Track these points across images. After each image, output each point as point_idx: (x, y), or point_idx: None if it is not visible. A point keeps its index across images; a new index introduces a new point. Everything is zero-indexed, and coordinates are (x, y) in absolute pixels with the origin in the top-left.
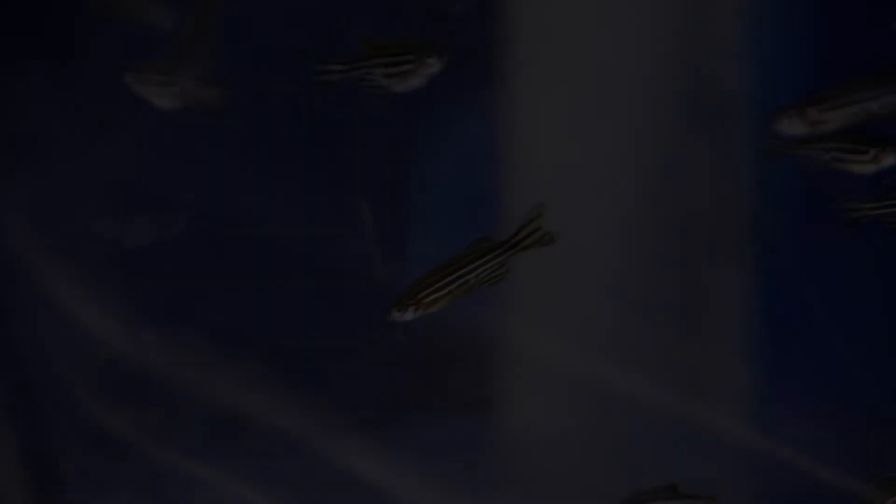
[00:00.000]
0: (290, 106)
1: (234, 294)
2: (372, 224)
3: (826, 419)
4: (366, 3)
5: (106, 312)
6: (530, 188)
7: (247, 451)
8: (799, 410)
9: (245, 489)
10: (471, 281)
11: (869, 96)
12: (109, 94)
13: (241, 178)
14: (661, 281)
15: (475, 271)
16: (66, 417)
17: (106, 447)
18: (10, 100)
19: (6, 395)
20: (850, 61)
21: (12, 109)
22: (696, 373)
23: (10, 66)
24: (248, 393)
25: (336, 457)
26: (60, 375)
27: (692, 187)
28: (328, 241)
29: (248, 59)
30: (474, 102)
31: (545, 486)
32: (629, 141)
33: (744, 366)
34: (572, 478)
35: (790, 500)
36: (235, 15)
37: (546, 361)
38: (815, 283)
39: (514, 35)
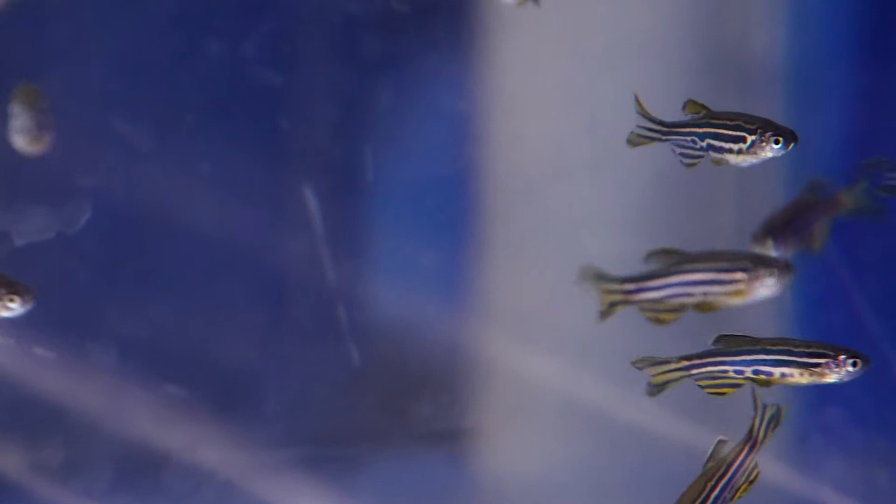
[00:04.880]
0: (218, 67)
1: (149, 302)
2: (319, 216)
3: (875, 455)
4: None
5: None
6: (513, 173)
7: (166, 495)
8: (843, 444)
9: None
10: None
11: None
12: None
13: (157, 159)
14: None
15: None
16: None
17: None
18: None
19: None
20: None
21: None
22: (721, 400)
23: None
24: (168, 423)
25: (276, 501)
26: None
27: (712, 170)
28: (266, 237)
29: (170, 10)
30: (445, 66)
31: None
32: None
33: (777, 393)
34: None
35: None
36: None
37: (534, 384)
38: (864, 289)
39: None
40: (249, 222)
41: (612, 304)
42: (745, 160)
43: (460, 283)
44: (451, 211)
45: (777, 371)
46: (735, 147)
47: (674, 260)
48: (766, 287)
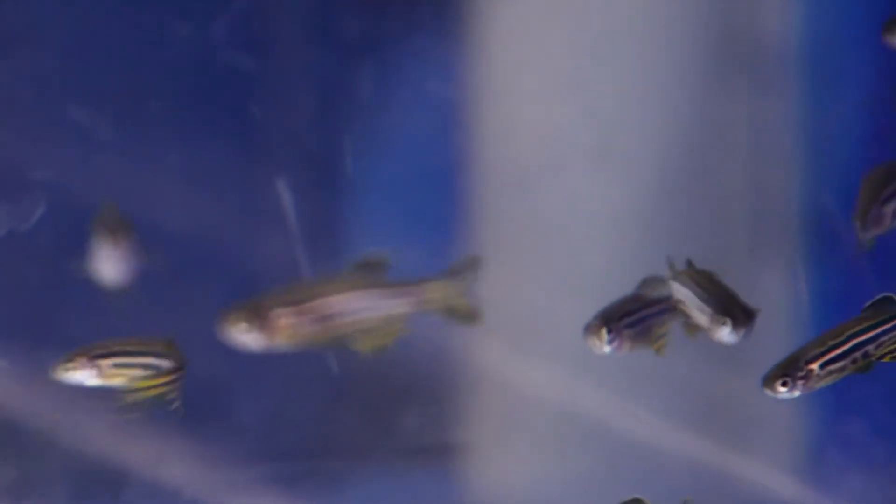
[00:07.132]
0: (186, 51)
1: (108, 305)
2: (295, 212)
3: None
4: None
5: None
6: (505, 165)
7: None
8: (862, 459)
9: None
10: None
11: None
12: None
13: (117, 149)
14: None
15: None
16: None
17: None
18: None
19: None
20: None
21: None
22: (730, 411)
23: None
24: (131, 438)
25: None
26: None
27: (723, 163)
28: (237, 235)
29: None
30: (431, 49)
31: None
32: (640, 101)
33: (792, 402)
34: None
35: None
36: None
37: (528, 395)
38: (883, 289)
39: None
40: (219, 219)
41: None
42: None
43: None
44: (437, 207)
45: None
46: None
47: None
48: None
